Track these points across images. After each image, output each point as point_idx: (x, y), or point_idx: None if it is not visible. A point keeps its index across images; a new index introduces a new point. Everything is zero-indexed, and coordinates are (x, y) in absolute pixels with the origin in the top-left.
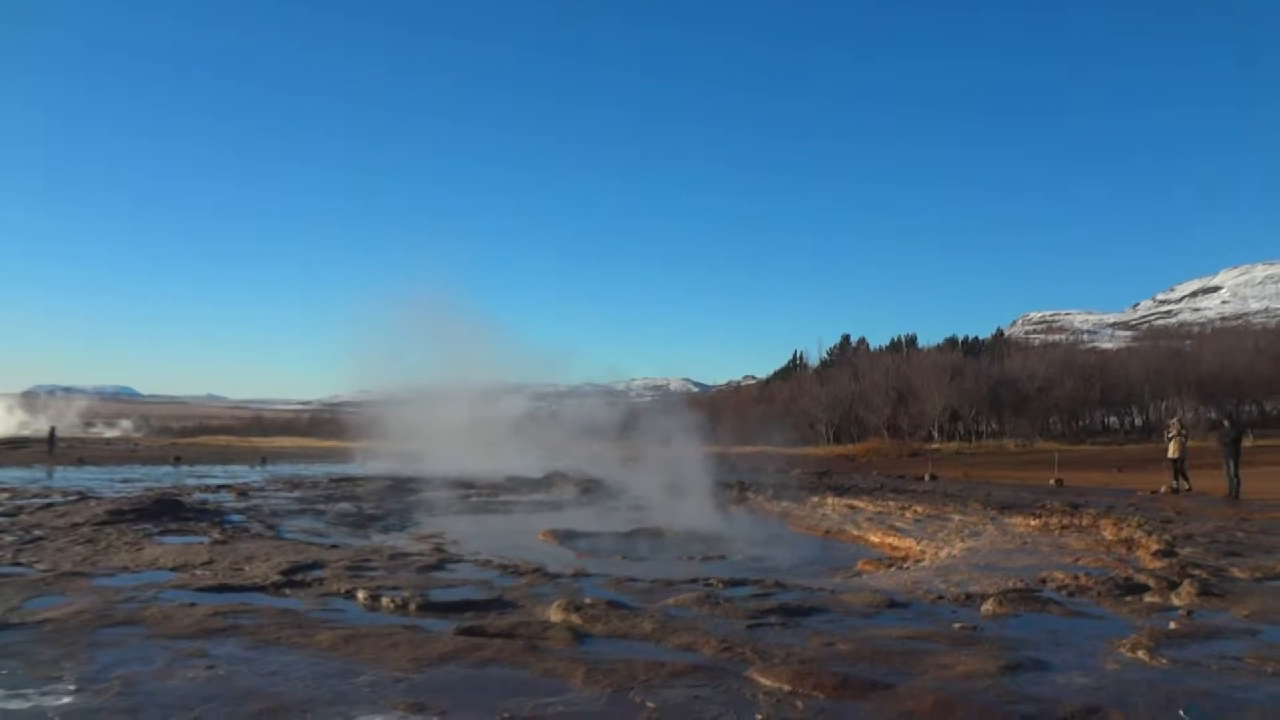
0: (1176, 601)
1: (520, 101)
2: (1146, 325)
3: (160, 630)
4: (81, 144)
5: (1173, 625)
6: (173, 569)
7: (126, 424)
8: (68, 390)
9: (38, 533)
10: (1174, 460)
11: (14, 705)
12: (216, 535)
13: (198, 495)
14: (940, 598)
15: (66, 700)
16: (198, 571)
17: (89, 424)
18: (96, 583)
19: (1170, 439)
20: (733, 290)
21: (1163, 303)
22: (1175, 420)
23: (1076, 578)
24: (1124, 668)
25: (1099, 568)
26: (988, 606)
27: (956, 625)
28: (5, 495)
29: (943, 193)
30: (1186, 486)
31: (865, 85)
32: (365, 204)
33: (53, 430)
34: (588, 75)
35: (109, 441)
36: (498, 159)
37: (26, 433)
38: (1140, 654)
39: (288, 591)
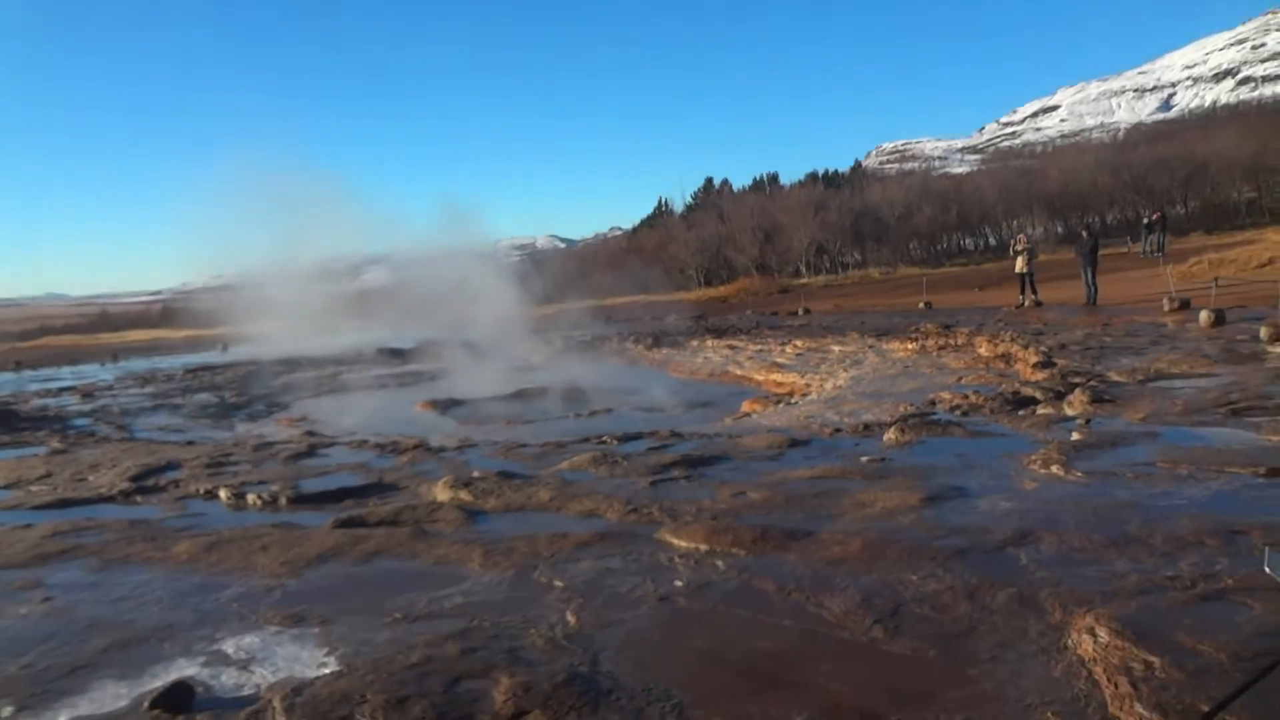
0: (1070, 411)
1: None
2: (993, 148)
3: None
4: None
5: (1075, 436)
6: (3, 487)
7: None
8: None
9: None
10: (1022, 275)
11: None
12: (56, 444)
13: (37, 401)
14: (838, 431)
15: None
16: (33, 487)
17: None
18: None
19: (1017, 254)
20: (594, 141)
21: (1006, 125)
22: (1022, 235)
23: (966, 396)
24: (1042, 485)
25: (984, 384)
26: (890, 436)
27: (864, 459)
28: None
29: (793, 27)
30: (1035, 300)
31: None
32: (198, 80)
33: None
34: None
35: None
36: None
37: None
38: (1054, 469)
39: (139, 499)
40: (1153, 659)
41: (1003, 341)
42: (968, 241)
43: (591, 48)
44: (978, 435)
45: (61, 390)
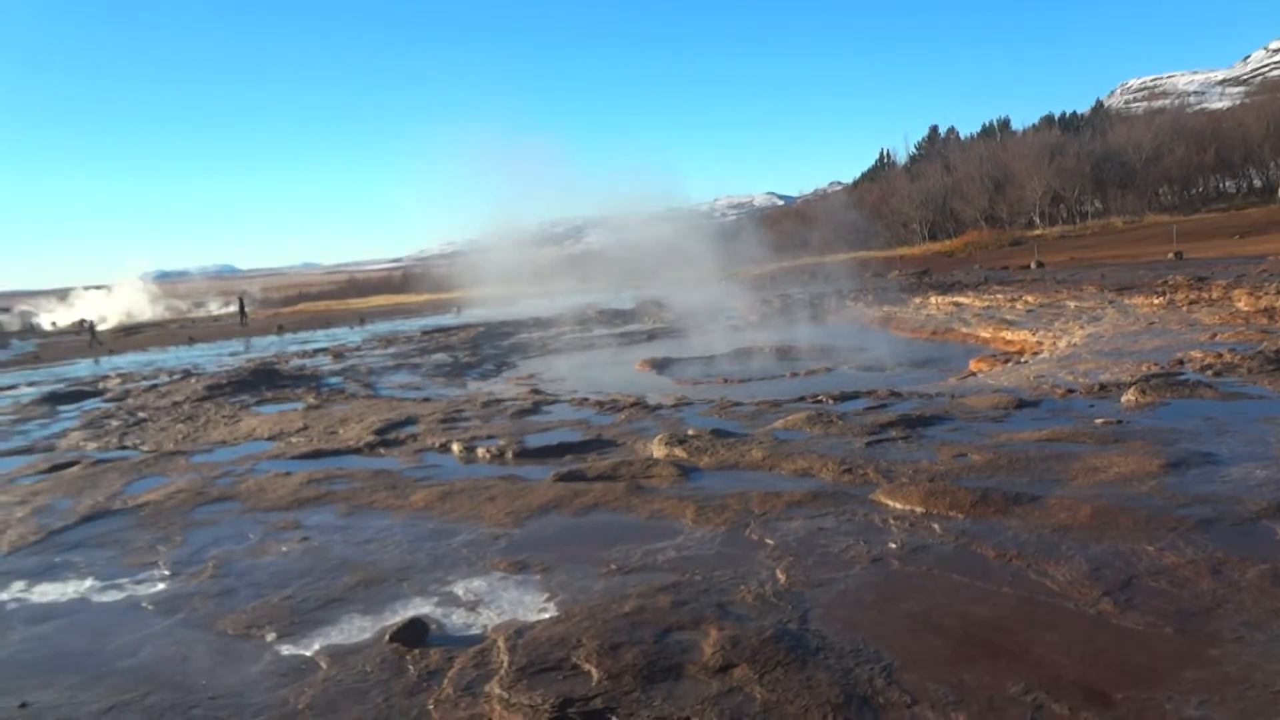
0: None
1: None
2: (1260, 78)
3: (255, 504)
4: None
5: None
6: (268, 439)
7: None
8: (182, 274)
9: (142, 414)
10: None
11: (108, 597)
12: (311, 400)
13: (295, 362)
14: (1071, 391)
15: (160, 588)
16: (293, 439)
17: (197, 303)
18: (194, 460)
19: None
20: (813, 91)
21: (1276, 51)
22: None
23: (1220, 355)
24: None
25: (1242, 342)
26: (1129, 397)
27: (1098, 421)
28: (117, 380)
29: None
30: None
31: None
32: (432, 64)
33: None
34: None
35: (216, 318)
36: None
37: (145, 317)
38: None
39: (382, 451)
40: None
41: (1267, 294)
42: (1228, 184)
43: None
44: (1232, 397)
45: (316, 351)
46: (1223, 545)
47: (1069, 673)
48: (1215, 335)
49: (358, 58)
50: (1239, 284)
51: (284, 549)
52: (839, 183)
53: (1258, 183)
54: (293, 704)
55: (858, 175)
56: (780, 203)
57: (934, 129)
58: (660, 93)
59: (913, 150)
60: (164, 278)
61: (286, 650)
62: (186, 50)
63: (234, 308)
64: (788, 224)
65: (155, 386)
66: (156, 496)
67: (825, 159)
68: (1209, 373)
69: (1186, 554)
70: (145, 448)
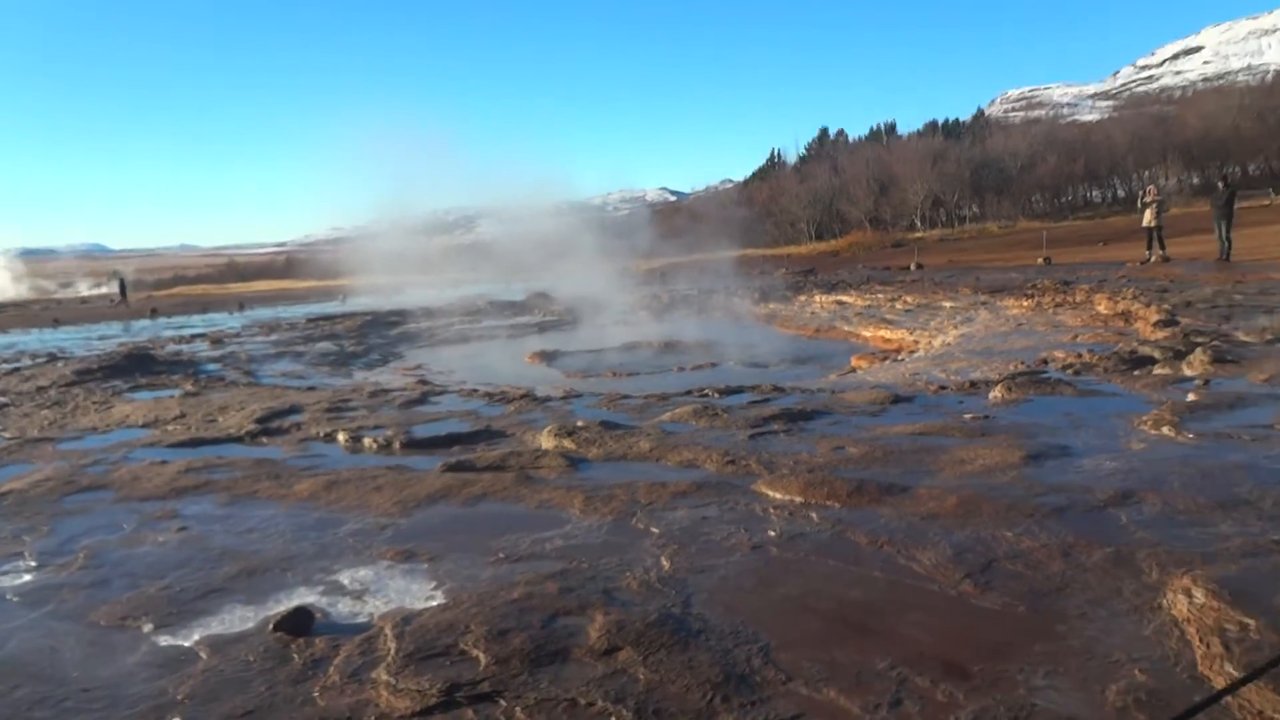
0: (1189, 371)
1: None
2: (1128, 93)
3: (129, 493)
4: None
5: (1192, 397)
6: (143, 426)
7: (123, 279)
8: (50, 252)
9: (2, 399)
10: (1150, 229)
11: None
12: (189, 387)
13: (171, 347)
14: (943, 388)
15: (26, 579)
16: (169, 427)
17: (64, 284)
18: (63, 447)
19: (1145, 206)
20: (704, 91)
21: (1144, 68)
22: (1151, 187)
23: (1080, 355)
24: (1150, 446)
25: (1101, 343)
26: (996, 393)
27: (967, 416)
28: None
29: None
30: (1163, 255)
31: None
32: (326, 46)
33: None
34: None
35: (84, 300)
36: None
37: (6, 297)
38: (1165, 430)
39: (264, 440)
40: (1249, 621)
41: (1124, 299)
42: (1095, 194)
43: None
44: (1088, 394)
45: (193, 337)
46: (1073, 530)
47: (931, 649)
48: (1077, 336)
49: (242, 36)
50: (1100, 289)
51: (161, 539)
52: (730, 180)
53: (1121, 193)
54: (171, 694)
55: (749, 174)
56: (673, 198)
57: (824, 131)
58: (556, 83)
59: (802, 151)
60: (30, 256)
61: (164, 641)
62: (53, 11)
63: (104, 289)
64: (679, 219)
65: (18, 370)
66: (20, 485)
67: (718, 157)
68: (1069, 371)
69: (1041, 539)
70: (7, 434)
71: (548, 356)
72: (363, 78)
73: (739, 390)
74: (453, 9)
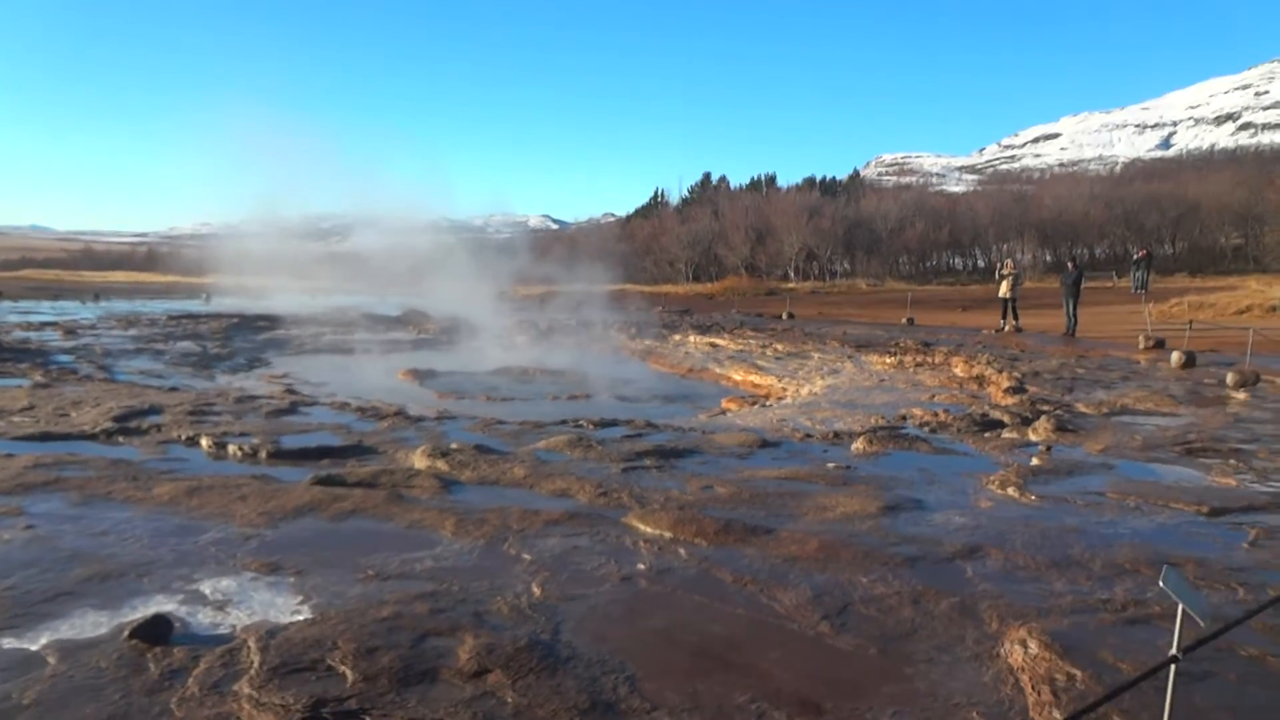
0: (1034, 437)
1: None
2: (992, 169)
3: None
4: None
5: (1035, 461)
6: None
7: None
8: None
9: None
10: (1005, 300)
11: None
12: (39, 378)
13: (18, 334)
14: (809, 436)
15: None
16: (16, 418)
17: None
18: None
19: (1002, 278)
20: (595, 126)
21: (1007, 148)
22: (1009, 261)
23: (936, 414)
24: (997, 505)
25: (955, 404)
26: (858, 445)
27: (830, 465)
28: None
29: (802, 31)
30: (1016, 325)
31: None
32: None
33: None
34: None
35: None
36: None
37: None
38: (1010, 490)
39: (121, 439)
40: (1075, 671)
41: (978, 364)
42: (957, 261)
43: (597, 31)
44: (942, 452)
45: (43, 325)
46: (923, 579)
47: (789, 685)
48: (934, 396)
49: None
50: (957, 352)
51: (5, 536)
52: (613, 214)
53: (981, 263)
54: (16, 699)
55: (631, 210)
56: (554, 226)
57: (707, 175)
58: (445, 102)
59: (685, 193)
60: None
61: (8, 644)
62: None
63: None
64: (560, 249)
65: None
66: None
67: (601, 190)
68: (926, 429)
69: (893, 586)
70: None
71: (421, 375)
72: (245, 69)
73: (613, 423)
74: (349, 13)
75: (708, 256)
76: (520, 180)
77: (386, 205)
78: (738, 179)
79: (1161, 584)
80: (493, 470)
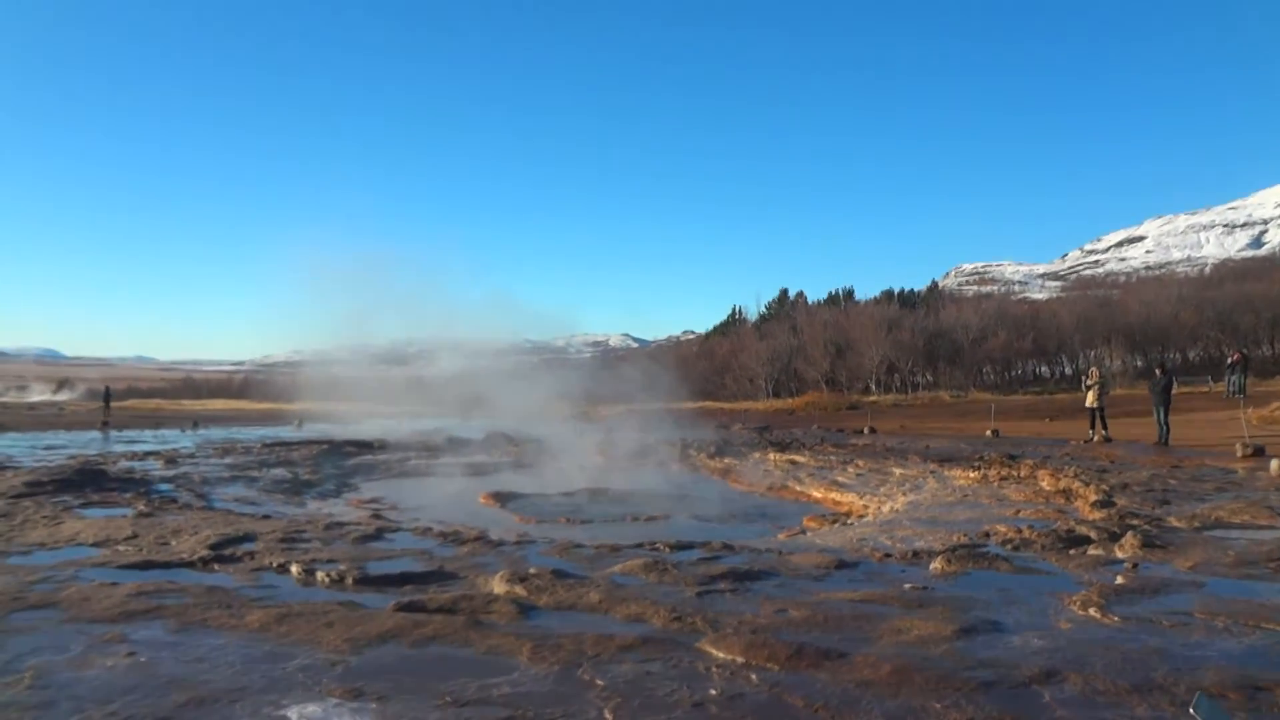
0: (1120, 554)
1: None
2: (1075, 275)
3: (78, 613)
4: None
5: (1119, 580)
6: (94, 544)
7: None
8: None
9: None
10: (1092, 409)
11: None
12: (142, 507)
13: (124, 463)
14: (888, 556)
15: None
16: (120, 547)
17: (17, 387)
18: (10, 562)
19: (1089, 388)
20: (673, 245)
21: (1090, 253)
22: (1095, 369)
23: (1020, 531)
24: (1077, 626)
25: (1040, 520)
26: (936, 565)
27: (907, 586)
28: None
29: (877, 147)
30: (1105, 435)
31: (802, 55)
32: (297, 165)
33: None
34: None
35: (32, 406)
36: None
37: None
38: (1092, 611)
39: (217, 567)
40: None
41: (1065, 476)
42: (1043, 369)
43: (676, 156)
44: (1023, 571)
45: (146, 454)
46: (998, 705)
47: None
48: (1019, 511)
49: (204, 153)
50: (1044, 464)
51: (109, 663)
52: (692, 332)
53: (1068, 370)
54: None
55: (710, 327)
56: (635, 345)
57: (784, 292)
58: (527, 228)
59: (763, 309)
60: None
61: None
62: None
63: (56, 396)
64: (641, 368)
65: None
66: None
67: (680, 308)
68: (1008, 547)
69: (967, 711)
70: None
71: (503, 498)
72: (330, 198)
73: (690, 546)
74: (429, 139)
75: (787, 372)
76: (600, 301)
77: (469, 329)
78: (815, 294)
79: (1192, 711)
80: (569, 595)
